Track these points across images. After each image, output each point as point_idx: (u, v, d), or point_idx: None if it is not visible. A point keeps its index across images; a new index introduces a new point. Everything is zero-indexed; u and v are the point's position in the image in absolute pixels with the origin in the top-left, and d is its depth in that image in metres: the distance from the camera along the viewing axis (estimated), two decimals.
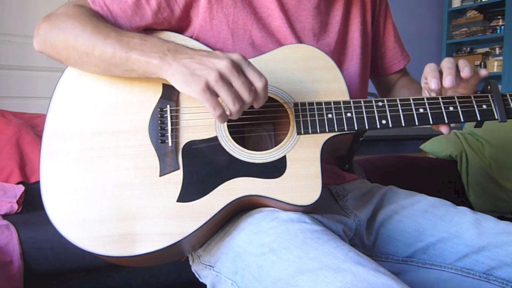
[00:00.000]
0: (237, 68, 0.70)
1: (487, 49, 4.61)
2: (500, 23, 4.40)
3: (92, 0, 0.86)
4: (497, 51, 4.50)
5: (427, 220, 0.90)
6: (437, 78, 0.82)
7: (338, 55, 0.98)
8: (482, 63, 4.51)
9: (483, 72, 0.85)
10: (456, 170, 2.07)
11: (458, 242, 0.86)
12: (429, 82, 0.82)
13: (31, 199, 1.38)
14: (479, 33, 4.48)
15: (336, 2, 0.98)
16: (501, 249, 0.82)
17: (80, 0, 0.87)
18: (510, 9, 4.16)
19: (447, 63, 0.83)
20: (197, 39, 0.90)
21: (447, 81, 0.81)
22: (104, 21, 0.84)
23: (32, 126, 1.64)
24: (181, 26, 0.91)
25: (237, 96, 0.70)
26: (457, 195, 2.02)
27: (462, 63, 0.83)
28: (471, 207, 1.81)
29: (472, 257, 0.84)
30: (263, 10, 0.92)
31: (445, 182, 2.02)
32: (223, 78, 0.69)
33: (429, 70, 0.84)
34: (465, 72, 0.81)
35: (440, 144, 2.18)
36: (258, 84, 0.71)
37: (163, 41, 0.78)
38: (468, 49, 4.68)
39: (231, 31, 0.90)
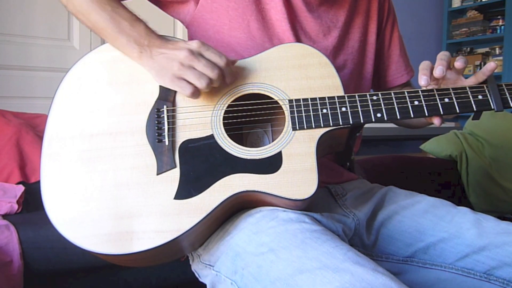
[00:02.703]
0: (196, 54, 0.80)
1: (487, 49, 4.61)
2: (500, 23, 4.39)
3: None
4: (497, 51, 4.50)
5: (427, 220, 0.90)
6: (427, 75, 0.82)
7: (333, 59, 0.97)
8: (482, 63, 4.51)
9: (490, 66, 0.84)
10: (456, 170, 2.06)
11: (458, 242, 0.86)
12: (419, 79, 0.83)
13: (31, 199, 1.38)
14: (479, 33, 4.48)
15: (339, 8, 0.98)
16: (502, 249, 0.82)
17: None
18: (510, 9, 4.16)
19: (440, 55, 0.84)
20: (195, 19, 0.92)
21: (438, 71, 0.81)
22: None
23: (32, 126, 1.64)
24: None
25: (201, 75, 0.79)
26: (457, 195, 2.01)
27: (458, 57, 0.84)
28: (471, 207, 1.80)
29: (473, 257, 0.84)
30: (266, 2, 0.92)
31: (445, 182, 2.02)
32: (184, 65, 0.79)
33: (421, 67, 0.85)
34: (459, 62, 0.83)
35: (440, 144, 2.17)
36: (220, 62, 0.80)
37: (147, 33, 0.84)
38: (468, 49, 4.68)
39: (229, 18, 0.91)
